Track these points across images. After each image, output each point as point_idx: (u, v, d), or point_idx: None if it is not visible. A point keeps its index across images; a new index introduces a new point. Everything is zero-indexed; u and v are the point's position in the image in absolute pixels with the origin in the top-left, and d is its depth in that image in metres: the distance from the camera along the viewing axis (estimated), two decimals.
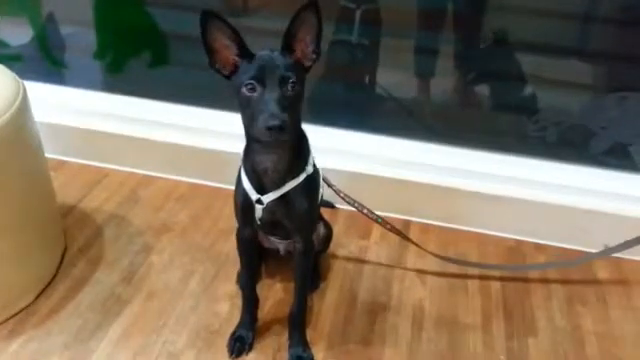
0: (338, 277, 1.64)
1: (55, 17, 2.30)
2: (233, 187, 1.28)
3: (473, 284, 1.64)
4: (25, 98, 1.42)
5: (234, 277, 1.59)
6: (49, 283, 1.55)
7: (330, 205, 1.82)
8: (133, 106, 2.05)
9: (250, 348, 1.40)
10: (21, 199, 1.41)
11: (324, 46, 1.15)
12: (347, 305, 1.55)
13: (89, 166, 2.04)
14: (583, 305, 1.59)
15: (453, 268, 1.67)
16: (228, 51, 1.10)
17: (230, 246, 1.62)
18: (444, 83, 2.14)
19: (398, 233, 1.62)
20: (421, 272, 1.67)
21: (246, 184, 1.22)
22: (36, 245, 1.51)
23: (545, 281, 1.66)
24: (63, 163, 2.04)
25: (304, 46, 1.12)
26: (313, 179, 1.25)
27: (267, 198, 1.20)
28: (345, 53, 2.06)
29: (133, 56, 2.35)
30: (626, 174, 1.82)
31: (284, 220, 1.24)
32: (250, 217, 1.25)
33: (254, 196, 1.21)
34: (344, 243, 1.76)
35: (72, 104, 2.07)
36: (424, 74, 2.13)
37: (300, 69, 1.12)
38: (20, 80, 1.45)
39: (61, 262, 1.62)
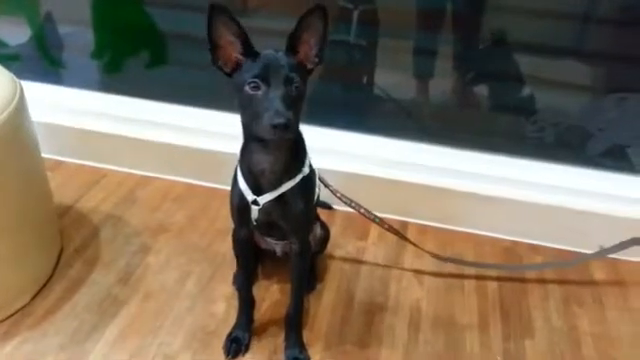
0: (335, 278, 1.64)
1: (53, 16, 2.30)
2: (230, 187, 1.27)
3: (470, 285, 1.64)
4: (22, 98, 1.41)
5: (231, 278, 1.59)
6: (45, 284, 1.55)
7: (327, 206, 1.82)
8: (130, 106, 2.04)
9: (246, 349, 1.40)
10: (17, 199, 1.41)
11: None
12: (344, 306, 1.55)
13: (86, 166, 2.03)
14: (580, 306, 1.59)
15: (450, 269, 1.67)
16: (232, 48, 1.09)
17: (227, 247, 1.62)
18: (442, 84, 2.14)
19: (395, 233, 1.62)
20: (418, 273, 1.67)
21: (242, 185, 1.21)
22: (32, 245, 1.51)
23: (542, 282, 1.66)
24: (60, 163, 2.03)
25: (308, 49, 1.12)
26: (309, 180, 1.24)
27: (263, 199, 1.20)
28: (342, 53, 2.06)
29: (131, 56, 2.35)
30: (622, 175, 1.82)
31: (280, 221, 1.23)
32: (246, 218, 1.24)
33: (250, 197, 1.21)
34: (341, 244, 1.76)
35: (69, 104, 2.07)
36: (422, 75, 2.12)
37: (303, 71, 1.12)
38: (17, 80, 1.44)
39: (57, 263, 1.61)
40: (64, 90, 2.15)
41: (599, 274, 1.70)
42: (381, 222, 1.58)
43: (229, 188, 1.27)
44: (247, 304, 1.42)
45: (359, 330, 1.48)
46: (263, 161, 1.16)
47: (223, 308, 1.51)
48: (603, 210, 1.72)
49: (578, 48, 2.02)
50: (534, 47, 1.98)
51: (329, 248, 1.64)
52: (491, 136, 2.09)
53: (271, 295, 1.56)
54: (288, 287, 1.40)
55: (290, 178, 1.19)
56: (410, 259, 1.71)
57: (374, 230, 1.79)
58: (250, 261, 1.42)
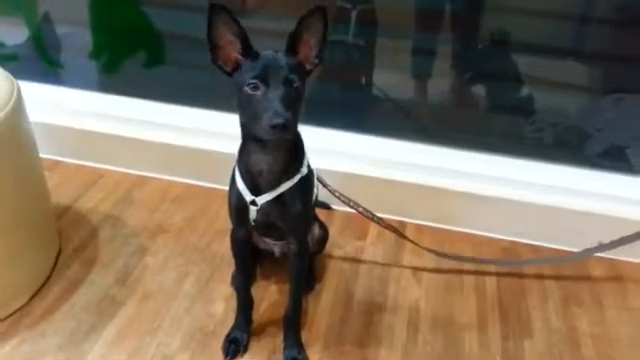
0: (334, 278, 1.64)
1: (51, 17, 2.30)
2: (228, 188, 1.27)
3: (469, 285, 1.64)
4: (20, 98, 1.41)
5: (229, 278, 1.59)
6: (43, 284, 1.54)
7: (326, 206, 1.82)
8: (129, 106, 2.04)
9: (245, 350, 1.39)
10: (15, 199, 1.40)
11: None
12: (343, 306, 1.55)
13: (84, 166, 2.03)
14: (579, 306, 1.59)
15: (449, 269, 1.67)
16: (232, 48, 1.09)
17: (225, 247, 1.62)
18: (440, 84, 2.14)
19: (394, 230, 1.62)
20: (417, 273, 1.67)
21: (240, 185, 1.21)
22: (30, 246, 1.50)
23: (541, 282, 1.66)
24: (58, 163, 2.03)
25: (308, 50, 1.12)
26: (307, 180, 1.24)
27: (261, 199, 1.20)
28: (341, 54, 2.06)
29: (128, 56, 2.35)
30: (621, 176, 1.83)
31: (278, 221, 1.23)
32: (244, 218, 1.24)
33: (248, 197, 1.20)
34: (340, 244, 1.75)
35: (67, 104, 2.07)
36: (420, 75, 2.13)
37: (302, 71, 1.12)
38: (14, 80, 1.44)
39: (55, 263, 1.61)
40: (62, 90, 2.14)
41: (598, 274, 1.70)
42: (379, 220, 1.58)
43: (227, 188, 1.27)
44: (245, 304, 1.42)
45: (358, 330, 1.47)
46: (261, 161, 1.16)
47: (221, 309, 1.51)
48: (601, 210, 1.72)
49: (576, 48, 2.03)
50: (532, 47, 1.99)
51: (328, 248, 1.64)
52: (489, 136, 2.09)
53: (270, 295, 1.56)
54: (287, 287, 1.40)
55: (288, 178, 1.19)
56: (409, 259, 1.71)
57: (373, 230, 1.79)
58: (248, 261, 1.42)
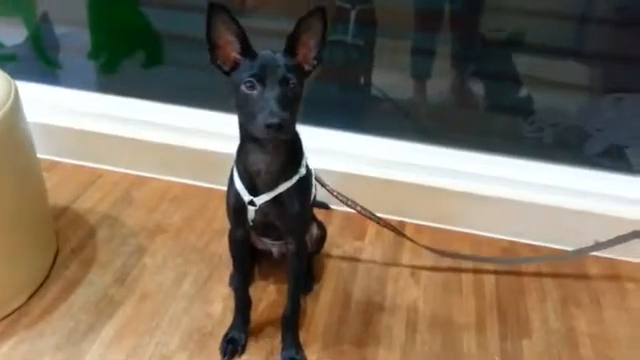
0: (332, 278, 1.63)
1: (49, 17, 2.30)
2: (226, 188, 1.27)
3: (467, 285, 1.63)
4: (17, 98, 1.41)
5: (227, 279, 1.59)
6: (41, 284, 1.54)
7: (324, 206, 1.82)
8: (127, 107, 2.04)
9: (243, 350, 1.39)
10: (12, 200, 1.40)
11: None
12: (341, 306, 1.54)
13: (82, 167, 2.03)
14: (577, 306, 1.59)
15: (448, 268, 1.67)
16: (230, 47, 1.10)
17: (224, 248, 1.61)
18: (439, 84, 2.14)
19: (392, 229, 1.62)
20: (415, 273, 1.66)
21: (238, 185, 1.21)
22: (28, 246, 1.50)
23: (539, 282, 1.66)
24: (56, 164, 2.03)
25: (307, 50, 1.12)
26: (306, 180, 1.24)
27: (260, 200, 1.20)
28: (340, 53, 2.06)
29: (127, 56, 2.35)
30: (620, 175, 1.82)
31: (276, 221, 1.23)
32: (242, 218, 1.24)
33: (246, 197, 1.20)
34: (338, 244, 1.75)
35: (66, 104, 2.07)
36: (419, 75, 2.12)
37: (300, 72, 1.12)
38: (12, 80, 1.44)
39: (53, 263, 1.61)
40: (61, 91, 2.14)
41: (597, 274, 1.70)
42: (378, 219, 1.58)
43: (226, 188, 1.27)
44: (243, 305, 1.41)
45: (356, 330, 1.47)
46: (259, 161, 1.16)
47: (220, 309, 1.51)
48: (601, 210, 1.72)
49: (575, 48, 2.02)
50: (531, 47, 1.98)
51: (326, 248, 1.64)
52: (488, 136, 2.09)
53: (268, 295, 1.56)
54: (285, 287, 1.40)
55: (287, 179, 1.19)
56: (407, 259, 1.71)
57: (371, 230, 1.79)
58: (246, 262, 1.41)
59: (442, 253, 1.67)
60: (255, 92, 1.06)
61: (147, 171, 2.01)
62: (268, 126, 1.03)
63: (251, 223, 1.25)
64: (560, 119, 2.02)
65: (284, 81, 1.06)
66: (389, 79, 2.17)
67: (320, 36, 1.11)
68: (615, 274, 1.71)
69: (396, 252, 1.73)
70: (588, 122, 2.00)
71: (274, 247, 1.47)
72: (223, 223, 1.37)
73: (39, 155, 1.58)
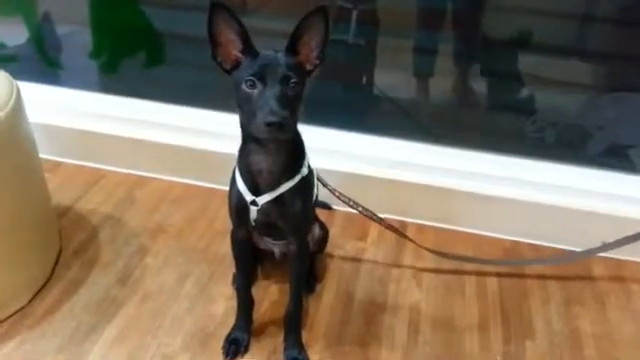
0: (334, 278, 1.63)
1: (51, 17, 2.30)
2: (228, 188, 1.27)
3: (470, 286, 1.63)
4: (19, 98, 1.41)
5: (229, 279, 1.59)
6: (44, 285, 1.54)
7: (327, 206, 1.81)
8: (129, 107, 2.04)
9: (245, 350, 1.39)
10: (15, 200, 1.40)
11: None
12: (343, 306, 1.54)
13: (85, 167, 2.03)
14: (581, 307, 1.58)
15: (450, 270, 1.66)
16: (232, 46, 1.10)
17: (226, 248, 1.61)
18: (441, 83, 2.14)
19: (394, 230, 1.62)
20: (418, 274, 1.66)
21: (240, 185, 1.21)
22: (31, 247, 1.50)
23: (543, 283, 1.65)
24: (59, 164, 2.03)
25: (308, 50, 1.12)
26: (308, 180, 1.24)
27: (261, 199, 1.19)
28: (341, 53, 2.06)
29: (129, 56, 2.35)
30: (624, 175, 1.82)
31: (278, 221, 1.23)
32: (244, 218, 1.24)
33: (248, 197, 1.20)
34: (340, 244, 1.75)
35: (68, 105, 2.07)
36: (421, 74, 2.12)
37: (302, 71, 1.11)
38: (14, 80, 1.44)
39: (56, 264, 1.61)
40: (63, 91, 2.15)
41: (601, 275, 1.69)
42: (380, 220, 1.57)
43: (228, 189, 1.27)
44: (246, 305, 1.41)
45: (358, 331, 1.47)
46: (261, 161, 1.16)
47: (222, 309, 1.50)
48: (604, 210, 1.71)
49: (577, 47, 2.02)
50: (533, 46, 1.98)
51: (328, 248, 1.63)
52: (491, 135, 2.08)
53: (270, 295, 1.56)
54: (287, 287, 1.39)
55: (289, 179, 1.19)
56: (410, 260, 1.70)
57: (374, 230, 1.79)
58: (249, 262, 1.41)
59: (445, 255, 1.66)
60: (256, 91, 1.06)
61: (149, 171, 2.01)
62: (268, 125, 1.03)
63: (253, 223, 1.24)
64: (563, 118, 2.02)
65: (285, 80, 1.06)
66: (391, 78, 2.17)
67: (322, 35, 1.11)
68: (620, 274, 1.70)
69: (398, 253, 1.73)
70: (592, 121, 1.99)
71: (276, 247, 1.47)
72: (225, 223, 1.36)
73: (41, 155, 1.58)
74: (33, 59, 2.38)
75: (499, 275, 1.67)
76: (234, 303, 1.44)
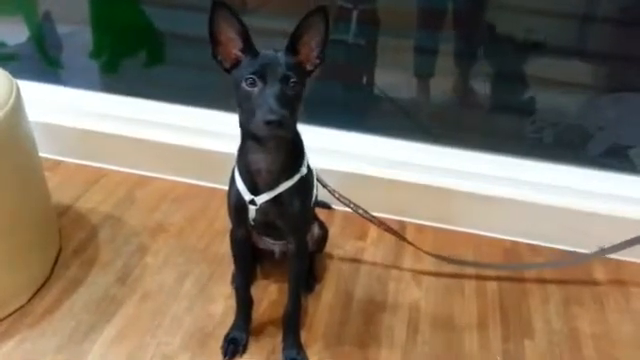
0: (333, 278, 1.63)
1: (51, 16, 2.30)
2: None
3: (469, 285, 1.63)
4: (19, 97, 1.41)
5: (229, 278, 1.59)
6: (43, 284, 1.54)
7: (326, 206, 1.81)
8: (129, 106, 2.04)
9: (244, 350, 1.39)
10: (14, 199, 1.40)
11: None
12: (342, 306, 1.54)
13: (85, 166, 2.03)
14: (580, 307, 1.58)
15: (449, 269, 1.66)
16: (232, 44, 1.10)
17: (225, 247, 1.61)
18: (441, 83, 2.14)
19: (394, 233, 1.62)
20: (417, 273, 1.66)
21: (239, 184, 1.21)
22: (30, 245, 1.50)
23: (542, 283, 1.65)
24: (59, 163, 2.03)
25: (308, 50, 1.12)
26: (307, 180, 1.24)
27: (260, 199, 1.19)
28: (341, 53, 2.06)
29: (129, 55, 2.35)
30: (625, 175, 1.82)
31: (277, 221, 1.23)
32: (243, 218, 1.24)
33: (247, 197, 1.20)
34: (340, 244, 1.75)
35: (68, 104, 2.07)
36: (421, 74, 2.12)
37: (302, 71, 1.12)
38: (13, 79, 1.44)
39: (55, 263, 1.61)
40: (63, 90, 2.15)
41: (600, 275, 1.69)
42: (379, 223, 1.57)
43: (227, 188, 1.27)
44: (245, 304, 1.41)
45: (357, 330, 1.47)
46: (260, 160, 1.16)
47: (221, 309, 1.50)
48: (605, 210, 1.71)
49: (577, 47, 2.02)
50: (533, 46, 1.98)
51: (328, 248, 1.63)
52: (491, 136, 2.08)
53: (269, 295, 1.56)
54: (286, 287, 1.39)
55: (287, 178, 1.19)
56: (409, 259, 1.70)
57: (373, 230, 1.78)
58: (248, 261, 1.41)
59: (445, 259, 1.65)
60: (256, 89, 1.07)
61: (149, 171, 2.01)
62: (267, 123, 1.03)
63: (252, 223, 1.25)
64: (562, 118, 2.02)
65: (285, 79, 1.07)
66: (391, 78, 2.17)
67: (322, 35, 1.11)
68: (619, 275, 1.70)
69: (398, 252, 1.73)
70: (590, 121, 1.99)
71: (275, 247, 1.47)
72: (225, 223, 1.36)
73: (41, 154, 1.58)
74: (33, 58, 2.38)
75: (499, 276, 1.66)
76: (233, 303, 1.44)
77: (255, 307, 1.45)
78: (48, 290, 1.53)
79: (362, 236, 1.79)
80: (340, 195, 1.52)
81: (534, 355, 1.43)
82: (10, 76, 1.44)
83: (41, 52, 2.39)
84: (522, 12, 1.93)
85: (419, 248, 1.64)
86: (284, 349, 1.38)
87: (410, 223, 1.85)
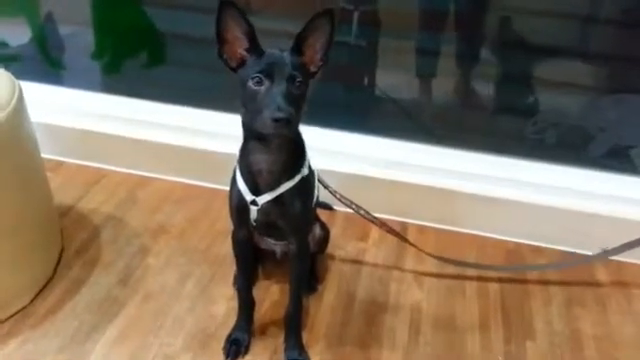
0: (335, 279, 1.63)
1: (53, 17, 2.31)
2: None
3: (471, 287, 1.63)
4: (21, 98, 1.41)
5: (231, 279, 1.59)
6: (46, 284, 1.54)
7: (328, 207, 1.81)
8: (131, 107, 2.05)
9: (246, 351, 1.39)
10: (17, 200, 1.41)
11: None
12: (344, 307, 1.54)
13: (87, 167, 2.03)
14: (582, 308, 1.58)
15: (451, 270, 1.66)
16: (238, 44, 1.10)
17: (227, 248, 1.61)
18: (443, 84, 2.14)
19: (396, 234, 1.62)
20: (419, 274, 1.66)
21: (241, 185, 1.21)
22: (33, 246, 1.51)
23: (544, 284, 1.65)
24: (61, 164, 2.03)
25: (313, 52, 1.13)
26: (308, 181, 1.24)
27: (262, 199, 1.20)
28: (343, 54, 2.06)
29: (131, 56, 2.35)
30: (627, 177, 1.82)
31: (278, 221, 1.23)
32: (245, 218, 1.24)
33: (249, 197, 1.20)
34: (342, 245, 1.75)
35: (70, 105, 2.07)
36: (423, 75, 2.12)
37: (306, 72, 1.12)
38: (16, 80, 1.44)
39: (58, 263, 1.61)
40: (65, 91, 2.15)
41: (602, 276, 1.69)
42: (381, 224, 1.57)
43: (229, 189, 1.27)
44: (247, 305, 1.41)
45: (359, 331, 1.47)
46: (261, 160, 1.16)
47: (223, 309, 1.51)
48: (607, 212, 1.71)
49: (579, 49, 2.02)
50: (535, 47, 1.98)
51: (329, 249, 1.63)
52: (493, 137, 2.08)
53: (271, 296, 1.56)
54: (288, 287, 1.39)
55: (289, 179, 1.19)
56: (411, 261, 1.70)
57: (375, 231, 1.78)
58: (250, 262, 1.41)
59: (447, 260, 1.65)
60: (262, 87, 1.07)
61: (151, 171, 2.01)
62: (275, 120, 1.03)
63: (254, 223, 1.25)
64: (563, 119, 2.02)
65: (291, 78, 1.07)
66: (392, 79, 2.17)
67: (327, 38, 1.12)
68: (621, 276, 1.70)
69: (399, 253, 1.73)
70: (591, 122, 1.99)
71: (277, 247, 1.47)
72: (226, 223, 1.36)
73: (43, 155, 1.58)
74: (36, 59, 2.39)
75: (501, 277, 1.66)
76: (235, 304, 1.44)
77: (257, 308, 1.45)
78: (50, 291, 1.53)
79: (364, 237, 1.79)
80: (342, 196, 1.52)
81: (536, 356, 1.43)
82: (12, 77, 1.45)
83: (43, 53, 2.39)
84: (524, 13, 1.94)
85: (421, 249, 1.64)
86: (286, 350, 1.38)
87: (412, 224, 1.85)
